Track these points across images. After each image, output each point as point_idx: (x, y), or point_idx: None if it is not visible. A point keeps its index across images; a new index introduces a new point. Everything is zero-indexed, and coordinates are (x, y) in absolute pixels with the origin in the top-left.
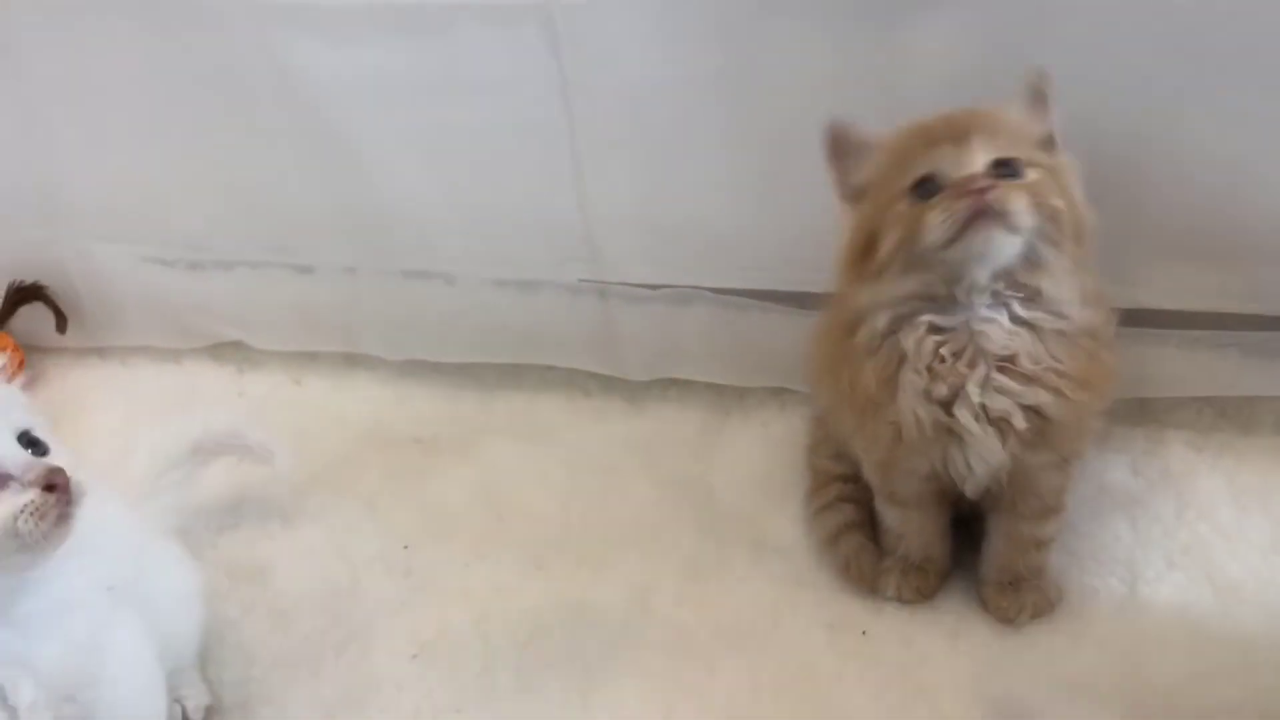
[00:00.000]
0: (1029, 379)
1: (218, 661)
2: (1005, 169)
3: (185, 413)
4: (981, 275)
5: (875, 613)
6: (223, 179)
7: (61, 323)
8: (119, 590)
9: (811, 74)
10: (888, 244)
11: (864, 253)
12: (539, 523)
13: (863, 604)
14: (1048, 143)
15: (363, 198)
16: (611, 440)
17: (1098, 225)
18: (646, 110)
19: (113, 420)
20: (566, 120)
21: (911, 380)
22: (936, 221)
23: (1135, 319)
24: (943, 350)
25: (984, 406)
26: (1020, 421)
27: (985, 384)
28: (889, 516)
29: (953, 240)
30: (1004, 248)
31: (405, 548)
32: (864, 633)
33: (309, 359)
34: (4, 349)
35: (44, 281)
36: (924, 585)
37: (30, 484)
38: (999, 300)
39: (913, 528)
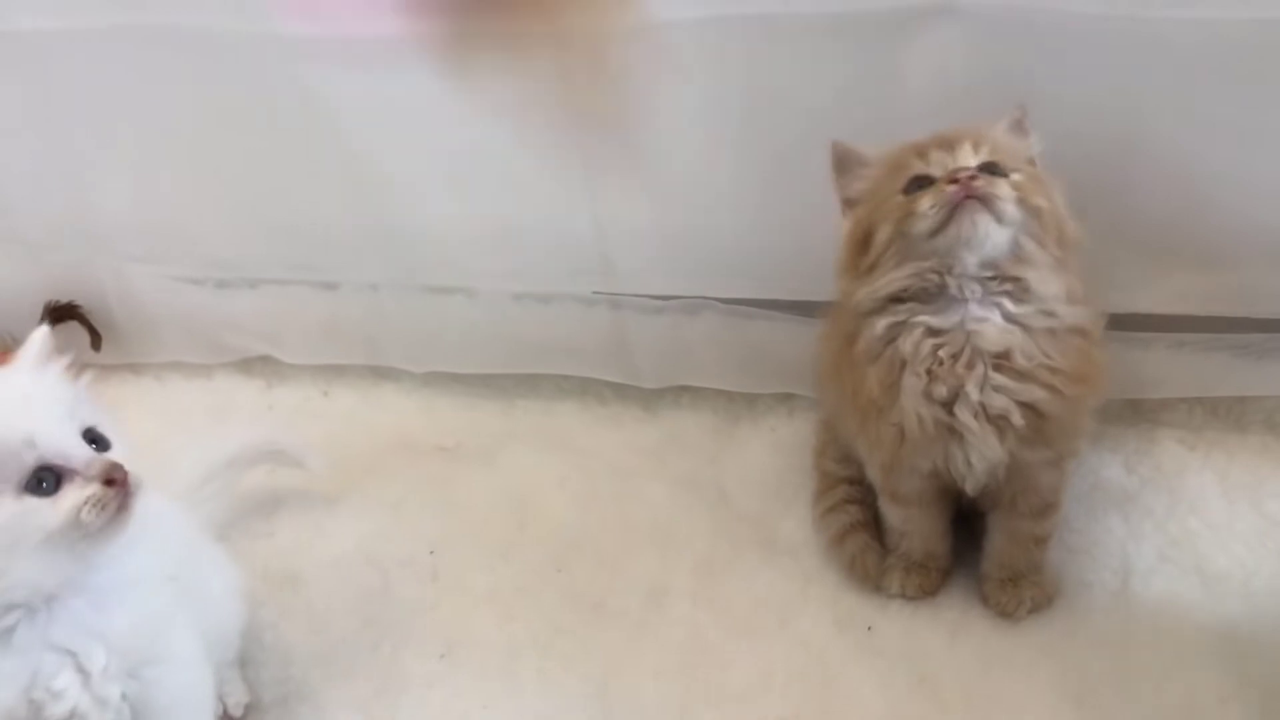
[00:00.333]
0: (1023, 375)
1: (256, 662)
2: (992, 169)
3: (219, 426)
4: (970, 262)
5: (880, 609)
6: (251, 202)
7: (96, 340)
8: (179, 581)
9: (813, 95)
10: (882, 235)
11: (861, 248)
12: (559, 526)
13: (868, 601)
14: (1030, 163)
15: (386, 218)
16: (627, 446)
17: (1088, 235)
18: (656, 129)
19: (148, 434)
20: (580, 140)
21: (912, 383)
22: (926, 207)
23: (1127, 323)
24: (940, 352)
25: (983, 405)
26: (1018, 418)
27: (984, 384)
28: (892, 516)
29: (942, 225)
30: (990, 234)
31: (431, 552)
32: (869, 628)
33: (336, 372)
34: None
35: (79, 301)
36: (926, 582)
37: (93, 478)
38: (990, 296)
39: (915, 526)
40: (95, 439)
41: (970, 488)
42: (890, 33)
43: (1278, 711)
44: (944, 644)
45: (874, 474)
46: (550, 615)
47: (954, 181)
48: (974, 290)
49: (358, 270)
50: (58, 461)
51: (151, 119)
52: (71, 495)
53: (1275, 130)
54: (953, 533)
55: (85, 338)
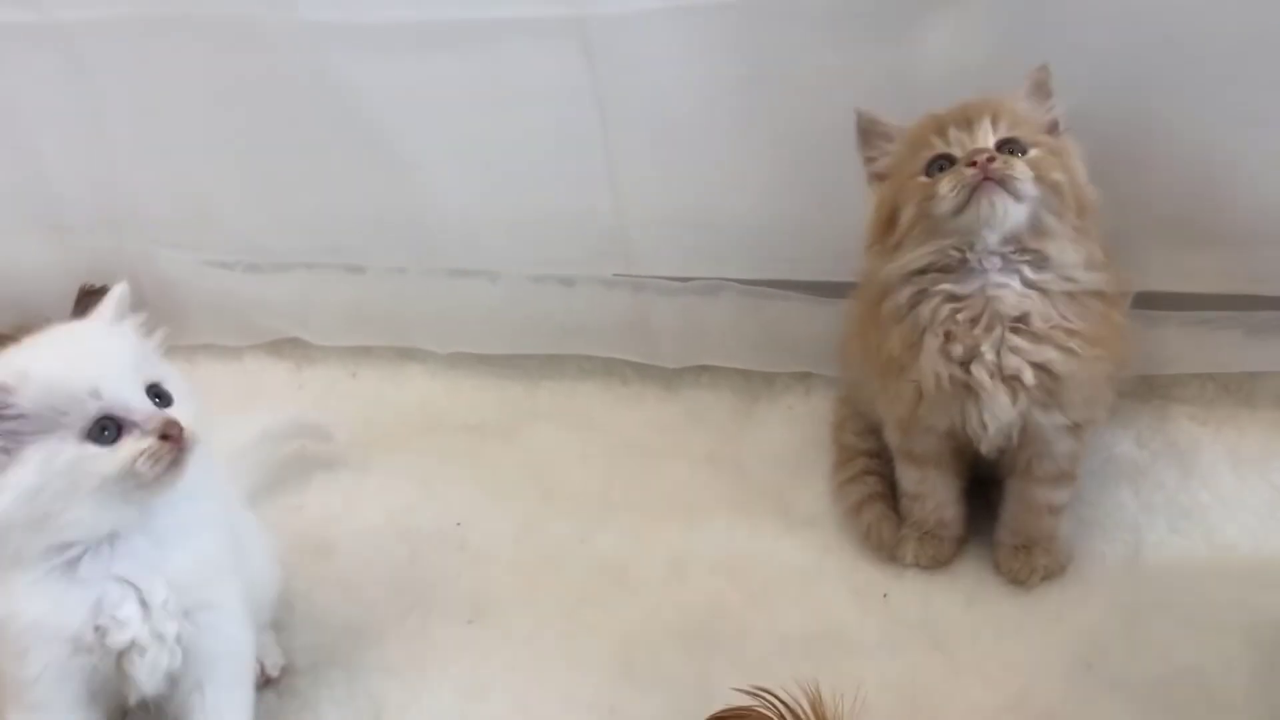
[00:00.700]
0: (1039, 338)
1: (289, 628)
2: (1010, 146)
3: (251, 406)
4: (991, 239)
5: (896, 577)
6: (280, 187)
7: None
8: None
9: (828, 77)
10: (906, 215)
11: (886, 226)
12: (583, 500)
13: (884, 569)
14: (1051, 128)
15: (411, 202)
16: (648, 423)
17: (1102, 209)
18: (674, 114)
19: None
20: (601, 125)
21: (931, 343)
22: (947, 189)
23: (1142, 301)
24: (960, 316)
25: (999, 365)
26: (1030, 378)
27: (1000, 344)
28: (907, 478)
29: (962, 206)
30: (1009, 213)
31: (458, 524)
32: (885, 595)
33: (363, 353)
34: None
35: (112, 284)
36: (939, 552)
37: (150, 432)
38: (1010, 265)
39: (929, 488)
40: (159, 394)
41: (985, 448)
42: (904, 11)
43: None
44: (959, 611)
45: (891, 434)
46: (574, 584)
47: (972, 164)
48: (994, 262)
49: (384, 254)
50: (119, 413)
51: (183, 107)
52: (129, 446)
53: None
54: (967, 503)
55: None
